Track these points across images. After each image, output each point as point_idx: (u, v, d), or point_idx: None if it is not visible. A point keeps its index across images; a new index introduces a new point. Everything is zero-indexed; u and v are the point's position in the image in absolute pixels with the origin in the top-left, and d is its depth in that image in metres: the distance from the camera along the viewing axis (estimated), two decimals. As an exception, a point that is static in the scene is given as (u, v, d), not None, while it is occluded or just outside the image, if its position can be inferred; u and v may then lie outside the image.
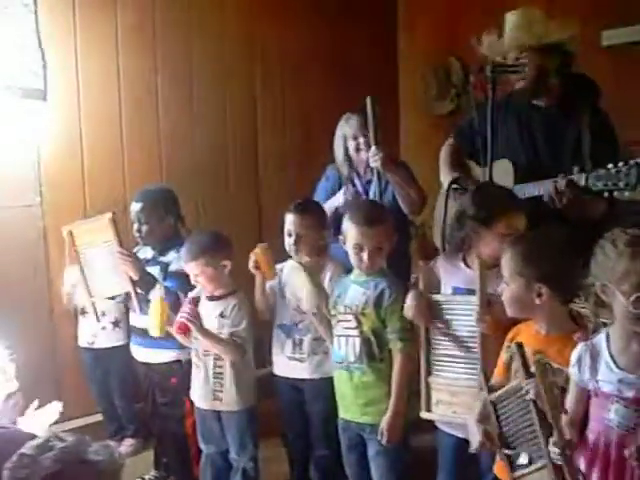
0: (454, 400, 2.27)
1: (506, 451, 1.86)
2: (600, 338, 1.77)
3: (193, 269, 2.75)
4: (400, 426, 2.43)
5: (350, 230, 2.49)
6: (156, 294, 2.82)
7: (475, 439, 1.92)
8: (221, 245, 2.80)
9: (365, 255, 2.46)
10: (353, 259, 2.51)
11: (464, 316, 2.24)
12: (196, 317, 2.70)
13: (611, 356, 1.71)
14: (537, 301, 1.94)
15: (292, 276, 2.77)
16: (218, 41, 3.95)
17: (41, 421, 2.33)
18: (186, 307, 2.72)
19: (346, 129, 3.23)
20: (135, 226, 3.06)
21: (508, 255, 1.99)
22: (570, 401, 1.80)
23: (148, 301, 2.88)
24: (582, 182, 2.34)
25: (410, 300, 2.34)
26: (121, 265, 2.90)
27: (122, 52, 3.60)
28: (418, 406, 2.38)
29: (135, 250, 3.11)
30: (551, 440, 1.67)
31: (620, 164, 2.24)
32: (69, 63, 3.43)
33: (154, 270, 3.03)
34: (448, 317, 2.29)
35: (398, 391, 2.42)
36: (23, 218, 3.32)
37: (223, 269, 2.76)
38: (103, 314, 3.29)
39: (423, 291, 2.34)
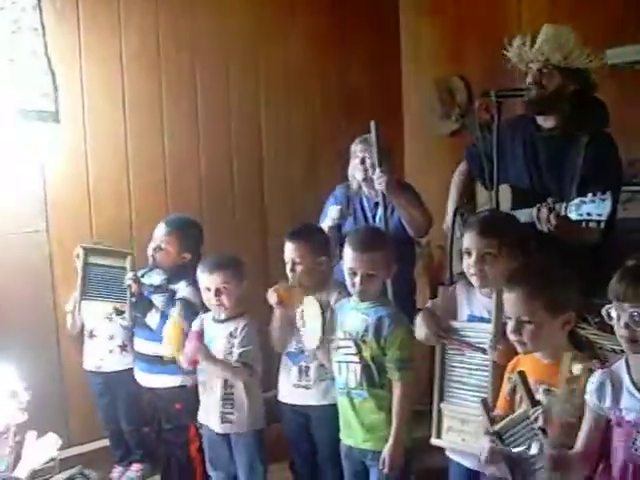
0: (464, 428, 2.26)
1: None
2: (619, 365, 1.73)
3: (216, 281, 2.75)
4: (401, 455, 2.42)
5: (346, 254, 2.49)
6: (173, 313, 2.86)
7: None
8: (242, 265, 2.86)
9: (357, 280, 2.45)
10: (348, 283, 2.51)
11: (478, 344, 2.22)
12: (202, 350, 2.70)
13: (633, 383, 1.67)
14: (562, 330, 1.92)
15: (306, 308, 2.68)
16: (222, 65, 3.95)
17: (39, 455, 2.32)
18: (192, 342, 2.71)
19: (353, 147, 3.28)
20: (152, 245, 3.11)
21: (522, 292, 1.91)
22: (584, 431, 1.76)
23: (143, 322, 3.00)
24: (562, 211, 2.29)
25: (420, 319, 2.33)
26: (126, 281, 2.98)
27: (127, 75, 3.60)
28: (418, 430, 2.37)
29: (141, 274, 3.15)
30: None
31: (598, 194, 2.20)
32: (74, 87, 3.43)
33: (160, 297, 3.09)
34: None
35: (399, 421, 2.42)
36: (29, 244, 3.31)
37: (242, 288, 2.78)
38: (111, 337, 3.32)
39: (442, 314, 2.33)
